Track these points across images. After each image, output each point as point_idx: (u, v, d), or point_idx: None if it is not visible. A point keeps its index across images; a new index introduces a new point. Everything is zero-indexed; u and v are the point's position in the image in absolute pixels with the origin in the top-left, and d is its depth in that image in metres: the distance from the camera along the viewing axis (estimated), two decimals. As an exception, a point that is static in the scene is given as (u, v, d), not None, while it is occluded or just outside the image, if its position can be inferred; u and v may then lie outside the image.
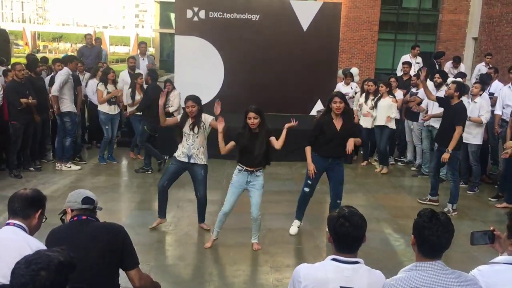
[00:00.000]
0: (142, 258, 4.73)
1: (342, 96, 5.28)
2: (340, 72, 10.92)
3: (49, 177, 7.52)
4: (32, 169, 7.73)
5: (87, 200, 2.76)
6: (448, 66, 11.20)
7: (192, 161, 5.29)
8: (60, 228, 2.78)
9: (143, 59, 10.13)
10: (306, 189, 5.50)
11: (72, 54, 15.53)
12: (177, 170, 5.42)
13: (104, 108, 8.24)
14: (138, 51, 10.60)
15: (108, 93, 8.18)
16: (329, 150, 5.31)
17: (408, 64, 9.73)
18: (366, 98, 8.58)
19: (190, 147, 5.25)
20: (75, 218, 2.73)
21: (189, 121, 5.24)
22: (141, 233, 5.44)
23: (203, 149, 5.32)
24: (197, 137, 5.24)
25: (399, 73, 10.33)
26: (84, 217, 2.73)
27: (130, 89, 8.50)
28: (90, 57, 10.47)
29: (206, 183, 5.43)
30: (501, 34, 14.99)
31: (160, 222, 5.58)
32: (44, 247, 2.42)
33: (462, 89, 6.56)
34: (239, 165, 4.97)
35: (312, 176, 5.34)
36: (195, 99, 5.22)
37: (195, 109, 5.16)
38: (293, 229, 5.62)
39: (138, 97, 8.36)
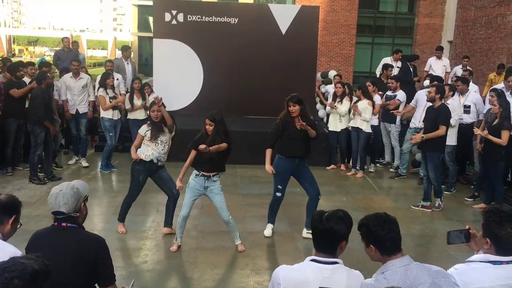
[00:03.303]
0: (121, 263, 4.71)
1: (297, 100, 5.30)
2: (318, 75, 10.98)
3: (24, 183, 7.39)
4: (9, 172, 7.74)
5: (57, 213, 2.62)
6: (431, 61, 11.24)
7: (159, 163, 5.42)
8: (43, 231, 2.69)
9: (127, 64, 10.09)
10: (278, 194, 5.53)
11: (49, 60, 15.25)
12: (145, 179, 5.50)
13: (108, 114, 8.09)
14: (121, 55, 10.55)
15: (111, 98, 8.05)
16: (293, 149, 5.34)
17: (391, 67, 9.85)
18: (334, 100, 8.75)
19: (161, 152, 5.37)
20: (56, 224, 2.65)
21: (159, 128, 5.34)
22: (120, 238, 5.39)
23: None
24: (166, 143, 5.39)
25: (378, 73, 10.41)
26: (63, 224, 2.62)
27: (129, 94, 8.48)
28: (67, 61, 10.28)
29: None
30: (475, 38, 15.29)
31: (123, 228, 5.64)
32: (20, 253, 2.37)
33: (442, 90, 6.57)
34: (196, 170, 5.03)
35: (271, 172, 5.37)
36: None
37: (160, 114, 5.30)
38: (268, 231, 5.64)
39: (136, 101, 8.30)
